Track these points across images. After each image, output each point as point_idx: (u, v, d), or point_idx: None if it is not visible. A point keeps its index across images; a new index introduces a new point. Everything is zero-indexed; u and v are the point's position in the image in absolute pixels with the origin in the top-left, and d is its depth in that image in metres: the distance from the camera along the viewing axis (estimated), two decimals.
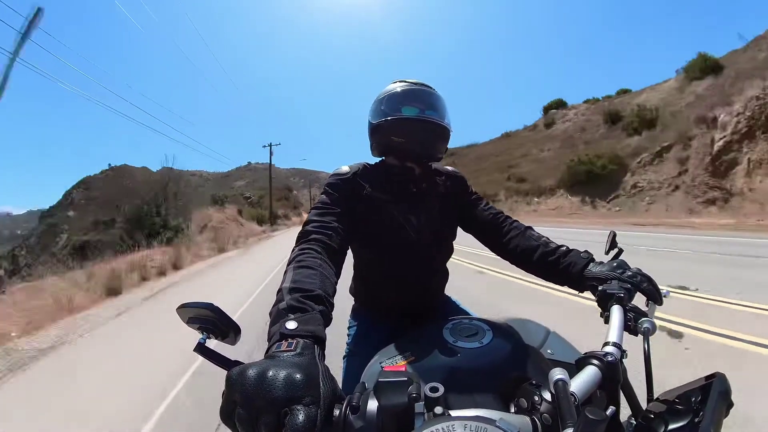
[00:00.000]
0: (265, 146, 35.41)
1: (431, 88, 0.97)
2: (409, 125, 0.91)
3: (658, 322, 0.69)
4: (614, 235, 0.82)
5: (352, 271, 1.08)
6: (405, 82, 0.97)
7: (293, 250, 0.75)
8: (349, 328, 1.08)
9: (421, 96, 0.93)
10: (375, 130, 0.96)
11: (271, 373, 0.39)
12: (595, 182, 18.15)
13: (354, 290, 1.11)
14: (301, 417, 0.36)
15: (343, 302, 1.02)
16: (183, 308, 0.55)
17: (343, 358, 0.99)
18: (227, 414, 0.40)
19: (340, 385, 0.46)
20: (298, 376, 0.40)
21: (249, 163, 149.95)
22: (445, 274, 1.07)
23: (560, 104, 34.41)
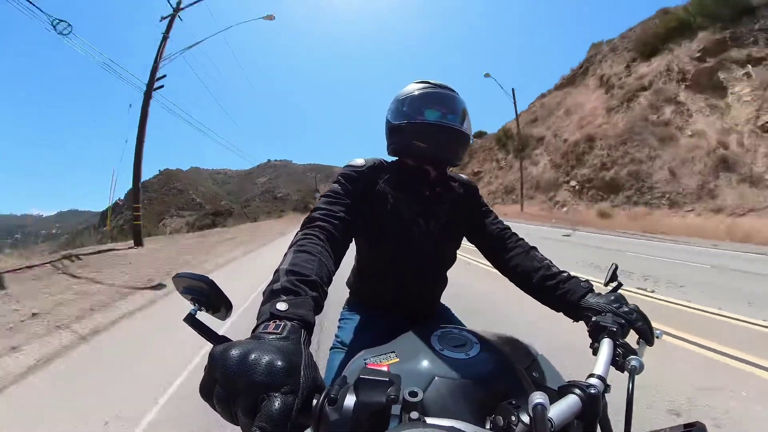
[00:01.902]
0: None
1: (454, 91, 0.95)
2: (431, 130, 0.90)
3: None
4: (615, 268, 0.81)
5: (353, 263, 1.08)
6: (428, 83, 0.95)
7: (296, 234, 0.75)
8: (340, 320, 1.07)
9: (444, 100, 0.92)
10: (395, 131, 0.95)
11: (253, 356, 0.40)
12: None
13: (351, 283, 1.11)
14: (277, 404, 0.36)
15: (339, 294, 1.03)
16: (179, 278, 0.55)
17: (330, 349, 0.98)
18: (207, 390, 0.41)
19: (322, 375, 0.46)
20: (279, 363, 0.40)
21: (268, 160, 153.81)
22: (444, 281, 1.07)
23: (480, 134, 35.82)
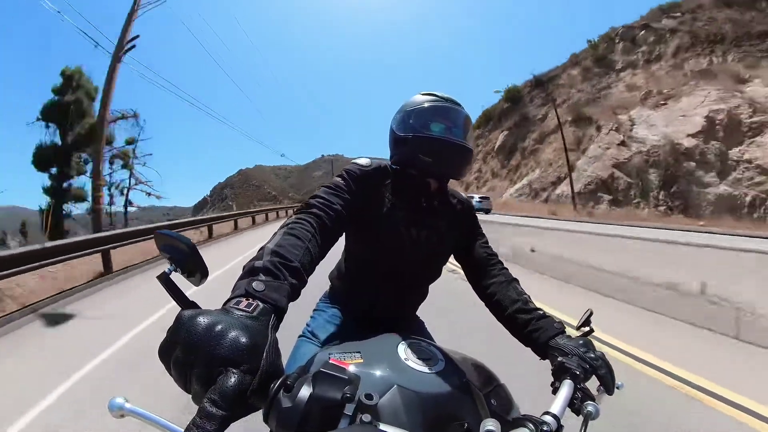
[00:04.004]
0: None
1: (459, 105, 0.96)
2: (437, 145, 0.90)
3: None
4: (590, 314, 0.81)
5: (339, 257, 1.08)
6: (435, 96, 0.96)
7: (290, 216, 0.74)
8: (315, 310, 1.07)
9: (449, 114, 0.93)
10: (400, 142, 0.95)
11: (219, 328, 0.40)
12: None
13: (334, 277, 1.10)
14: (233, 381, 0.36)
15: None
16: (160, 234, 0.55)
17: (299, 337, 0.99)
18: (166, 351, 0.41)
19: (285, 362, 0.48)
20: (243, 340, 0.40)
21: (322, 155, 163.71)
22: (423, 294, 1.07)
23: None
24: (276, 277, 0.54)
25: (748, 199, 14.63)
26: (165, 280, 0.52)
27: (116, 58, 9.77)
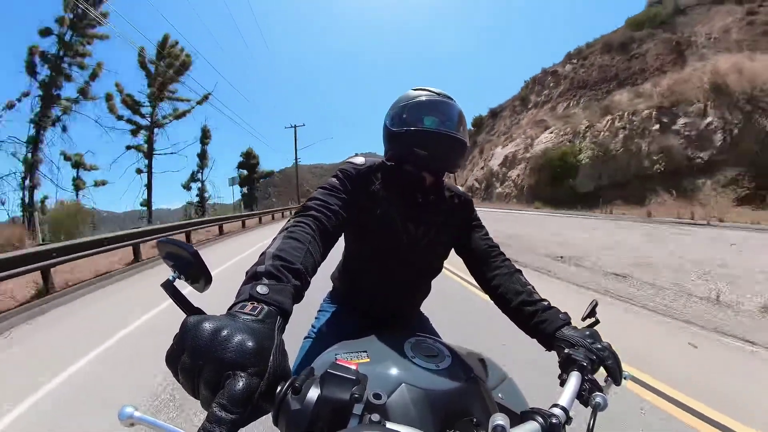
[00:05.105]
0: None
1: (451, 99, 0.96)
2: (431, 138, 0.89)
3: None
4: (595, 305, 0.80)
5: (340, 257, 1.08)
6: (427, 91, 0.96)
7: (288, 220, 0.76)
8: (319, 311, 1.08)
9: (442, 107, 0.93)
10: (395, 138, 0.95)
11: (225, 332, 0.40)
12: None
13: (335, 277, 1.11)
14: (240, 384, 0.37)
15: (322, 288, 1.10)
16: (163, 243, 0.55)
17: (305, 338, 0.99)
18: (173, 358, 0.41)
19: (292, 363, 0.48)
20: (250, 343, 0.40)
21: (356, 154, 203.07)
22: (426, 290, 1.08)
23: None
24: (279, 280, 0.55)
25: (505, 194, 30.23)
26: (169, 287, 0.53)
27: (296, 163, 33.96)
